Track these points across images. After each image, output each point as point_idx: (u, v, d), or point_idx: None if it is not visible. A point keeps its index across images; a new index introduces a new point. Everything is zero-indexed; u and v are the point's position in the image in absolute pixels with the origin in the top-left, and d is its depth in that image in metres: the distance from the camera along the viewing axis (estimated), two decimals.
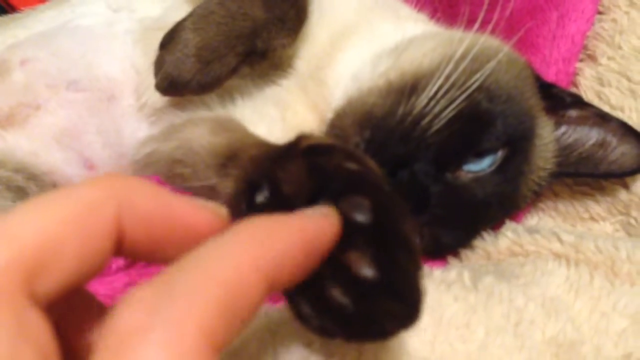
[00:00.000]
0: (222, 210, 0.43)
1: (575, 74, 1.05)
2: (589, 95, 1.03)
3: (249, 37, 0.88)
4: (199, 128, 0.89)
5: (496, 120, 0.82)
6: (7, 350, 0.32)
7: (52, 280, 0.35)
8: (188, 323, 0.33)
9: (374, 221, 0.46)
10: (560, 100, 0.95)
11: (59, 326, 0.37)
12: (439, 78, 0.79)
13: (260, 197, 0.53)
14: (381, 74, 0.84)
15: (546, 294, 0.70)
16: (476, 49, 0.83)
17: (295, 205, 0.48)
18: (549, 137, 0.93)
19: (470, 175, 0.83)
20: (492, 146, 0.83)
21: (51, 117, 1.01)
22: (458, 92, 0.79)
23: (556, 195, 1.01)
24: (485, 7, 0.90)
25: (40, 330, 0.34)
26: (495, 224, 0.91)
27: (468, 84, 0.80)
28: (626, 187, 0.96)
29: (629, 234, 0.95)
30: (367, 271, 0.44)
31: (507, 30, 1.01)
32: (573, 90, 1.04)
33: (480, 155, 0.83)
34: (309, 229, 0.42)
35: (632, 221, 0.95)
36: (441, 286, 0.69)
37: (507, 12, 0.96)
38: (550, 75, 1.02)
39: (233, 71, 0.89)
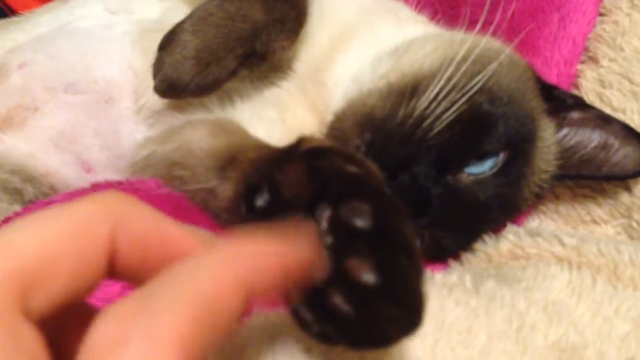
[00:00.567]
0: (214, 239, 0.43)
1: (577, 76, 1.05)
2: (590, 98, 1.02)
3: (248, 39, 0.88)
4: (198, 130, 0.88)
5: (497, 123, 0.82)
6: None
7: (47, 296, 0.36)
8: (164, 335, 0.33)
9: (374, 226, 0.46)
10: (561, 102, 0.95)
11: (54, 337, 0.37)
12: (439, 80, 0.79)
13: (260, 201, 0.52)
14: (381, 76, 0.84)
15: (548, 298, 0.70)
16: (477, 50, 0.83)
17: (295, 209, 0.48)
18: (550, 139, 0.92)
19: (471, 178, 0.82)
20: (494, 148, 0.82)
21: (49, 120, 1.01)
22: (459, 94, 0.79)
23: (558, 197, 1.01)
24: (486, 8, 0.90)
25: (33, 344, 0.34)
26: (496, 227, 0.90)
27: (469, 86, 0.80)
28: (628, 189, 0.96)
29: (631, 237, 0.95)
30: (368, 277, 0.43)
31: (509, 32, 1.00)
32: (574, 92, 1.04)
33: (481, 157, 0.82)
34: (288, 254, 0.41)
35: (634, 224, 0.94)
36: (443, 290, 0.68)
37: (509, 14, 0.95)
38: (551, 77, 1.02)
39: (232, 73, 0.88)
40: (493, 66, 0.82)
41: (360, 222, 0.46)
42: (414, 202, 0.78)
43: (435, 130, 0.78)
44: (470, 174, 0.82)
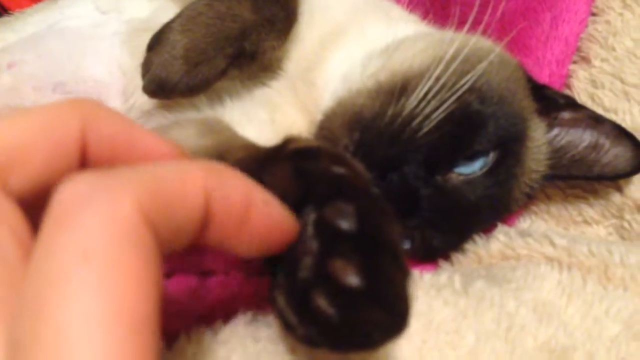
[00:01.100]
0: (182, 146, 0.46)
1: (569, 76, 1.04)
2: (582, 98, 1.02)
3: (238, 38, 0.87)
4: (186, 130, 0.87)
5: (487, 122, 0.81)
6: None
7: (24, 177, 0.40)
8: (126, 195, 0.35)
9: (359, 228, 0.45)
10: (553, 102, 0.94)
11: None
12: (429, 79, 0.78)
13: None
14: (371, 75, 0.83)
15: (538, 298, 0.70)
16: (467, 49, 0.82)
17: None
18: (541, 139, 0.92)
19: (461, 178, 0.82)
20: (484, 148, 0.82)
21: None
22: (448, 94, 0.78)
23: (549, 198, 1.01)
24: (476, 8, 0.89)
25: (12, 215, 0.38)
26: (487, 228, 0.89)
27: (459, 85, 0.79)
28: (619, 190, 0.95)
29: (623, 238, 0.95)
30: (352, 280, 0.43)
31: (500, 31, 1.00)
32: (566, 92, 1.04)
33: (471, 157, 0.82)
34: (257, 190, 0.43)
35: (626, 225, 0.94)
36: (431, 291, 0.68)
37: (499, 14, 0.95)
38: (543, 77, 1.01)
39: (222, 73, 0.88)
40: (483, 65, 0.82)
41: (345, 224, 0.45)
42: (403, 202, 0.77)
43: (425, 129, 0.77)
44: (460, 174, 0.82)
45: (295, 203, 0.48)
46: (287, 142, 0.59)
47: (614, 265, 0.76)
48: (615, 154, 0.90)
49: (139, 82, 0.88)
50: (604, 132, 0.91)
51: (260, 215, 0.42)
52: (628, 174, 0.92)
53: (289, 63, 0.97)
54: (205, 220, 0.39)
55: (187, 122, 0.90)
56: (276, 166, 0.53)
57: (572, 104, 0.96)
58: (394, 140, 0.77)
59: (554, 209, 1.00)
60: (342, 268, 0.43)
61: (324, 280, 0.44)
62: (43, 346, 0.31)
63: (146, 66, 0.87)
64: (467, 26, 0.89)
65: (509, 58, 0.94)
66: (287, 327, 0.48)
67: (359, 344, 0.46)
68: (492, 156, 0.83)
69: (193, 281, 0.76)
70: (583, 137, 0.92)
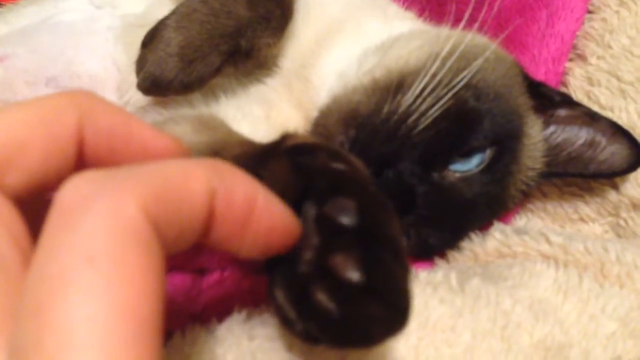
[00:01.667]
0: (179, 140, 0.46)
1: (565, 73, 1.04)
2: (578, 95, 1.02)
3: (233, 35, 0.87)
4: (181, 126, 0.87)
5: (483, 119, 0.81)
6: None
7: (20, 174, 0.39)
8: (130, 197, 0.34)
9: (359, 223, 0.45)
10: (549, 99, 0.94)
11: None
12: (425, 76, 0.78)
13: None
14: (367, 72, 0.83)
15: (534, 296, 0.70)
16: (463, 46, 0.82)
17: None
18: (537, 136, 0.92)
19: (457, 175, 0.82)
20: (479, 145, 0.82)
21: None
22: (444, 90, 0.78)
23: (545, 196, 1.00)
24: (472, 5, 0.89)
25: (7, 213, 0.38)
26: (483, 225, 0.89)
27: (455, 81, 0.79)
28: (615, 188, 0.95)
29: (619, 235, 0.95)
30: (352, 274, 0.43)
31: (496, 28, 1.00)
32: (562, 89, 1.03)
33: (467, 154, 0.82)
34: (261, 190, 0.42)
35: (622, 222, 0.94)
36: (427, 288, 0.68)
37: (495, 11, 0.95)
38: (539, 75, 1.01)
39: (217, 70, 0.87)
40: (479, 62, 0.82)
41: (346, 219, 0.45)
42: (399, 199, 0.77)
43: (421, 126, 0.77)
44: (456, 171, 0.82)
45: (294, 199, 0.48)
46: (285, 138, 0.59)
47: (610, 263, 0.76)
48: (611, 152, 0.90)
49: (134, 78, 0.88)
50: (600, 130, 0.91)
51: (263, 215, 0.41)
52: (624, 172, 0.91)
53: (284, 60, 0.97)
54: (209, 220, 0.39)
55: (182, 119, 0.90)
56: (274, 162, 0.53)
57: (568, 102, 0.96)
58: (390, 137, 0.77)
59: (550, 206, 1.00)
60: (343, 263, 0.43)
61: (324, 275, 0.44)
62: (45, 351, 0.31)
63: (141, 63, 0.86)
64: (463, 23, 0.89)
65: (505, 55, 0.93)
66: (286, 323, 0.47)
67: (359, 340, 0.45)
68: (488, 153, 0.83)
69: (188, 279, 0.75)
70: (579, 135, 0.92)
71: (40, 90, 0.99)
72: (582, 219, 0.98)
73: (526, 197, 0.98)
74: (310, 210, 0.47)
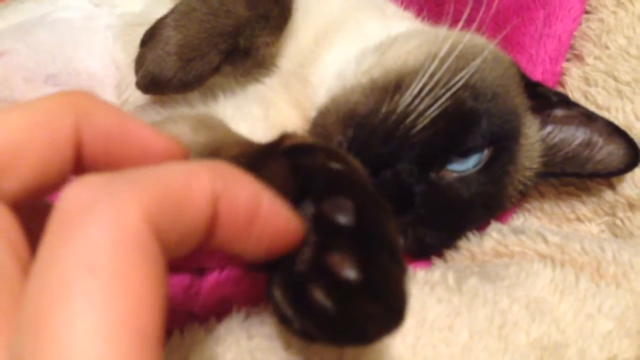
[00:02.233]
0: (177, 140, 0.45)
1: (562, 73, 1.05)
2: (575, 95, 1.02)
3: (232, 34, 0.87)
4: (180, 126, 0.87)
5: (481, 119, 0.82)
6: None
7: (17, 180, 0.38)
8: (131, 203, 0.34)
9: (357, 223, 0.46)
10: (546, 99, 0.94)
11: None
12: (423, 76, 0.78)
13: None
14: (365, 72, 0.83)
15: (531, 295, 0.70)
16: (461, 46, 0.83)
17: None
18: (534, 136, 0.92)
19: (455, 175, 0.82)
20: (477, 145, 0.82)
21: None
22: (442, 90, 0.78)
23: (542, 195, 1.01)
24: (470, 5, 0.90)
25: (7, 221, 0.37)
26: (480, 225, 0.90)
27: (452, 82, 0.79)
28: (612, 187, 0.96)
29: (615, 235, 0.95)
30: (349, 273, 0.43)
31: (494, 28, 1.00)
32: (560, 90, 1.04)
33: (465, 154, 0.82)
34: (265, 193, 0.42)
35: (618, 222, 0.94)
36: (425, 287, 0.68)
37: (493, 11, 0.95)
38: (536, 75, 1.02)
39: (215, 69, 0.87)
40: (477, 62, 0.82)
41: (343, 219, 0.46)
42: (397, 199, 0.77)
43: (419, 126, 0.77)
44: (453, 171, 0.82)
45: (292, 199, 0.48)
46: (283, 138, 0.59)
47: (606, 263, 0.77)
48: (608, 152, 0.90)
49: (132, 77, 0.88)
50: (597, 130, 0.91)
51: (268, 217, 0.41)
52: (621, 172, 0.92)
53: (282, 59, 0.97)
54: (212, 224, 0.38)
55: (181, 118, 0.90)
56: (273, 162, 0.53)
57: (565, 102, 0.96)
58: (388, 137, 0.77)
59: (547, 206, 1.00)
60: (340, 262, 0.43)
61: (321, 274, 0.44)
62: None
63: (139, 62, 0.86)
64: (461, 23, 0.89)
65: (503, 55, 0.94)
66: (284, 321, 0.48)
67: (355, 338, 0.46)
68: (486, 153, 0.83)
69: (187, 279, 0.75)
70: (576, 135, 0.92)
71: (39, 88, 0.99)
72: (579, 219, 0.98)
73: (523, 196, 0.98)
74: (308, 209, 0.48)
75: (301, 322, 0.46)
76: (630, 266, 0.76)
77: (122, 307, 0.31)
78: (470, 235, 0.88)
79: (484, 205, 0.86)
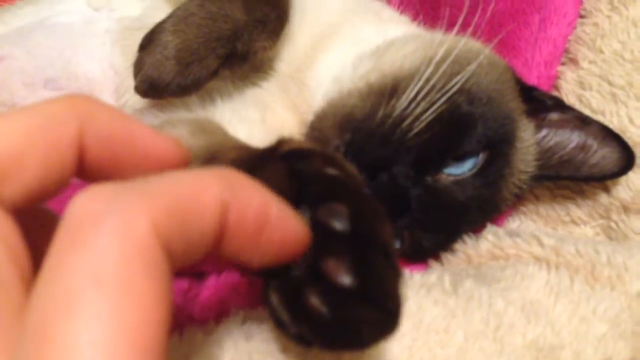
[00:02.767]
0: (180, 142, 0.45)
1: (557, 77, 1.05)
2: (570, 99, 1.03)
3: (230, 39, 0.87)
4: (178, 129, 0.88)
5: (477, 123, 0.82)
6: None
7: (18, 185, 0.38)
8: (141, 214, 0.33)
9: (352, 228, 0.46)
10: (541, 103, 0.95)
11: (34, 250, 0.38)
12: (419, 80, 0.79)
13: None
14: (362, 76, 0.84)
15: (526, 297, 0.70)
16: (456, 51, 0.83)
17: None
18: (530, 140, 0.93)
19: (450, 179, 0.82)
20: (473, 149, 0.83)
21: None
22: (438, 95, 0.79)
23: (537, 198, 1.01)
24: (465, 9, 0.90)
25: (8, 230, 0.37)
26: (476, 228, 0.90)
27: (448, 86, 0.80)
28: (607, 190, 0.96)
29: (610, 238, 0.95)
30: (344, 279, 0.43)
31: (489, 33, 1.01)
32: (554, 94, 1.04)
33: (460, 158, 0.83)
34: (274, 202, 0.41)
35: (613, 225, 0.95)
36: (421, 290, 0.68)
37: (488, 15, 0.95)
38: (531, 79, 1.02)
39: (213, 73, 0.88)
40: (472, 67, 0.83)
41: (338, 224, 0.46)
42: (393, 202, 0.78)
43: (415, 130, 0.78)
44: (449, 175, 0.82)
45: (289, 204, 0.48)
46: (280, 143, 0.60)
47: (601, 265, 0.77)
48: (602, 155, 0.91)
49: (131, 81, 0.88)
50: (591, 134, 0.92)
51: (277, 226, 0.41)
52: (615, 175, 0.92)
53: (280, 63, 0.97)
54: (221, 234, 0.38)
55: (179, 122, 0.91)
56: (269, 167, 0.54)
57: (560, 105, 0.97)
58: (385, 141, 0.78)
59: (542, 209, 1.00)
60: (335, 267, 0.44)
61: (317, 279, 0.44)
62: None
63: (138, 66, 0.87)
64: (456, 28, 0.89)
65: (498, 59, 0.94)
66: (280, 325, 0.48)
67: (351, 343, 0.46)
68: (481, 157, 0.84)
69: (185, 283, 0.76)
70: (571, 138, 0.93)
71: (38, 92, 0.99)
72: (573, 222, 0.99)
73: (519, 199, 0.99)
74: (304, 215, 0.48)
75: (297, 327, 0.46)
76: (625, 269, 0.76)
77: (128, 320, 0.31)
78: (466, 238, 0.88)
79: (480, 208, 0.87)
